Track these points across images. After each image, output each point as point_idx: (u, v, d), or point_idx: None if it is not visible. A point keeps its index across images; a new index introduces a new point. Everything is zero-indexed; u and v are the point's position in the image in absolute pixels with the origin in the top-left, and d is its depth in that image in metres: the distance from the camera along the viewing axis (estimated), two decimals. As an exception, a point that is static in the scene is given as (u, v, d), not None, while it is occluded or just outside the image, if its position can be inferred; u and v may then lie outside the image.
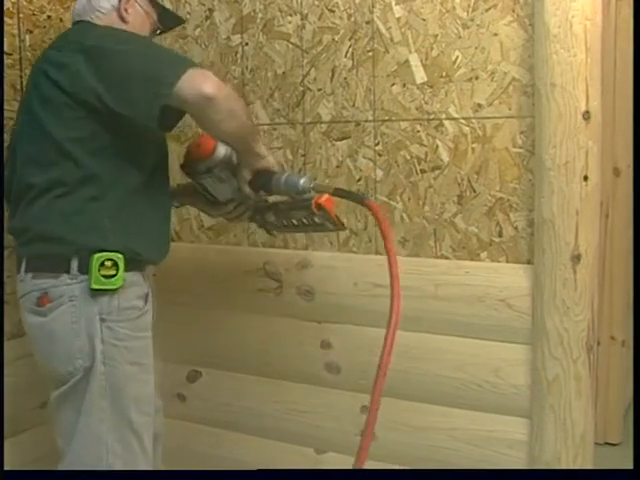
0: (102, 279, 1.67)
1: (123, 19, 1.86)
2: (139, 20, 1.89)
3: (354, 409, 2.20)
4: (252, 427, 2.37)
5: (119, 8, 1.86)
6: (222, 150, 1.83)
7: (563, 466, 1.92)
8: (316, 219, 1.84)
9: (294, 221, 1.91)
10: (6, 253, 2.09)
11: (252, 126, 1.79)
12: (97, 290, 1.68)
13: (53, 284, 1.70)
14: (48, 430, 2.19)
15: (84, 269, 1.69)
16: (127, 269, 1.71)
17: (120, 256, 1.70)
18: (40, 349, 1.76)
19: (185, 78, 1.61)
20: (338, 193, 1.81)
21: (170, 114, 1.67)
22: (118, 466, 1.72)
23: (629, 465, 1.66)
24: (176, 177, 1.95)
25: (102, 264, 1.68)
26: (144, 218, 1.77)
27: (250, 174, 1.83)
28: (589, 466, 1.94)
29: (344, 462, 2.22)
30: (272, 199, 1.93)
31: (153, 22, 1.94)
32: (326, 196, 1.79)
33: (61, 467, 1.77)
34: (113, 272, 1.68)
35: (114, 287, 1.69)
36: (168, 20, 2.01)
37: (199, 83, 1.61)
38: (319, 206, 1.78)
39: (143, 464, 1.77)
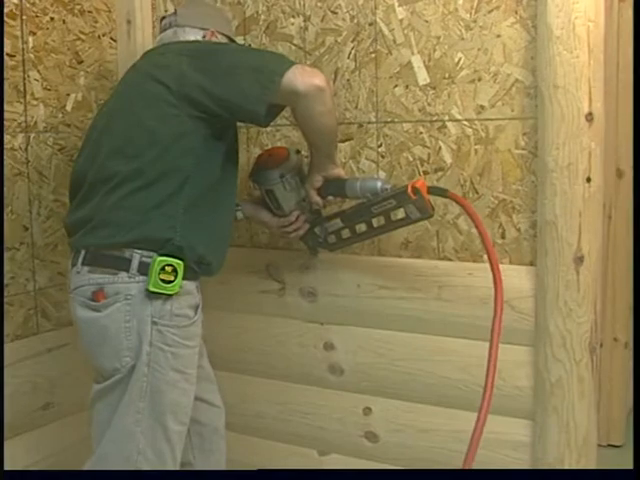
0: (161, 283, 1.70)
1: None
2: None
3: (357, 411, 2.20)
4: (254, 428, 2.37)
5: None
6: (294, 157, 2.01)
7: (566, 468, 1.92)
8: (399, 213, 1.92)
9: (361, 227, 2.01)
10: (9, 254, 2.10)
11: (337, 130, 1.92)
12: (154, 293, 1.70)
13: (110, 280, 1.72)
14: (50, 432, 2.21)
15: (143, 270, 1.71)
16: (184, 277, 1.74)
17: (180, 263, 1.72)
18: (89, 343, 1.77)
19: (296, 68, 1.73)
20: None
21: (270, 108, 1.76)
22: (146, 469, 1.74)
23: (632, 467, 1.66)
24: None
25: (163, 268, 1.70)
26: (212, 218, 1.81)
27: (321, 180, 1.95)
28: (592, 468, 1.94)
29: (347, 463, 2.22)
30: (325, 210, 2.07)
31: None
32: (421, 180, 1.88)
33: (89, 461, 1.78)
34: (172, 278, 1.71)
35: (171, 292, 1.72)
36: None
37: (310, 75, 1.74)
38: (415, 190, 1.85)
39: None
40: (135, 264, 1.71)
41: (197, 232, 1.77)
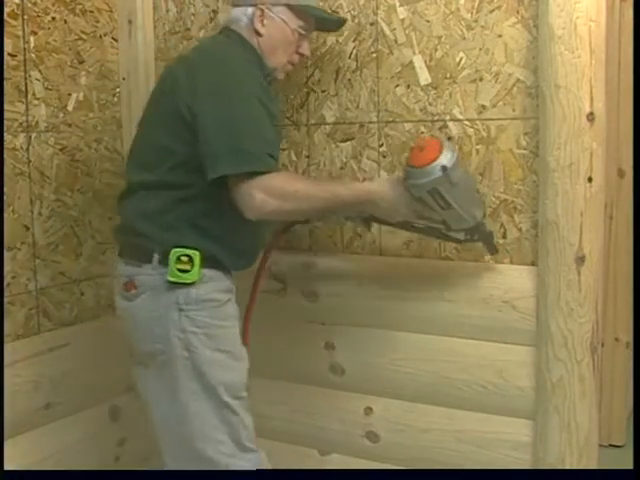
0: (178, 273, 1.75)
1: (257, 32, 1.87)
2: (277, 30, 1.88)
3: (358, 410, 2.20)
4: (256, 428, 2.36)
5: (253, 22, 1.87)
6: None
7: (567, 468, 1.92)
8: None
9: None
10: (10, 254, 2.10)
11: (327, 194, 1.76)
12: (173, 283, 1.75)
13: (137, 272, 1.80)
14: (51, 431, 2.21)
15: (164, 262, 1.76)
16: (206, 266, 1.78)
17: (197, 253, 1.76)
18: (126, 329, 1.86)
19: (240, 184, 1.68)
20: None
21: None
22: (226, 441, 1.79)
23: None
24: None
25: (178, 259, 1.75)
26: (229, 224, 1.80)
27: (405, 215, 1.83)
28: (593, 468, 1.94)
29: (348, 463, 2.22)
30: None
31: (296, 29, 1.89)
32: None
33: (170, 448, 1.84)
34: (188, 267, 1.75)
35: (188, 281, 1.75)
36: (323, 23, 1.98)
37: (244, 203, 1.69)
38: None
39: (245, 439, 1.82)
40: (156, 257, 1.78)
41: (209, 240, 1.79)
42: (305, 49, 1.95)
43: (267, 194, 1.68)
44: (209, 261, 1.78)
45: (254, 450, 1.84)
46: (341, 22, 2.04)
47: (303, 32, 1.91)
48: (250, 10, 1.87)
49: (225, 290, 1.84)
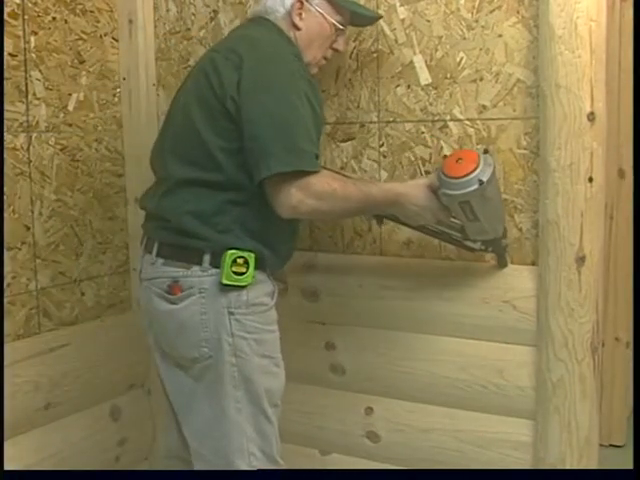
0: (233, 275, 1.71)
1: (295, 26, 1.83)
2: (315, 24, 1.85)
3: (359, 410, 2.20)
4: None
5: (291, 14, 1.83)
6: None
7: (567, 468, 1.92)
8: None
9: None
10: (10, 254, 2.10)
11: (362, 195, 1.73)
12: (227, 285, 1.71)
13: (184, 274, 1.74)
14: (51, 432, 2.21)
15: (215, 263, 1.72)
16: (256, 268, 1.74)
17: (252, 255, 1.73)
18: (166, 333, 1.81)
19: (280, 183, 1.64)
20: None
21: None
22: (258, 455, 1.79)
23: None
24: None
25: (234, 261, 1.71)
26: (275, 227, 1.77)
27: (438, 218, 1.80)
28: (593, 468, 1.94)
29: (348, 463, 2.22)
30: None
31: (334, 23, 1.86)
32: None
33: (201, 458, 1.81)
34: (244, 270, 1.72)
35: (244, 284, 1.72)
36: (359, 18, 1.95)
37: (280, 201, 1.66)
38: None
39: (275, 452, 1.83)
40: (207, 258, 1.73)
41: (260, 240, 1.76)
42: (340, 44, 1.92)
43: (305, 194, 1.65)
44: (258, 263, 1.75)
45: (281, 465, 1.84)
46: (377, 18, 2.02)
47: (341, 27, 1.88)
48: (288, 1, 1.83)
49: (271, 293, 1.83)
